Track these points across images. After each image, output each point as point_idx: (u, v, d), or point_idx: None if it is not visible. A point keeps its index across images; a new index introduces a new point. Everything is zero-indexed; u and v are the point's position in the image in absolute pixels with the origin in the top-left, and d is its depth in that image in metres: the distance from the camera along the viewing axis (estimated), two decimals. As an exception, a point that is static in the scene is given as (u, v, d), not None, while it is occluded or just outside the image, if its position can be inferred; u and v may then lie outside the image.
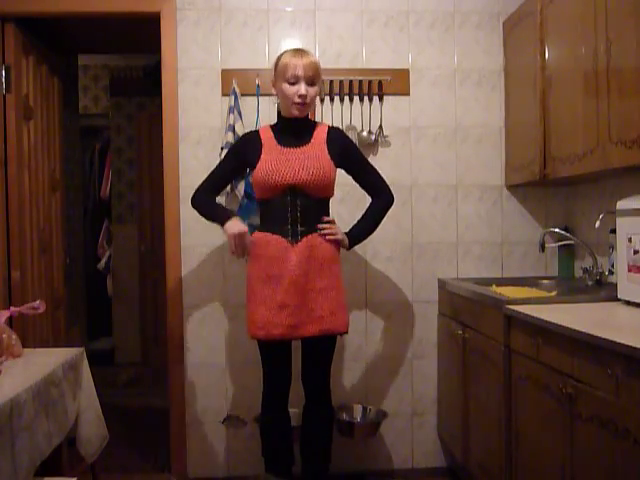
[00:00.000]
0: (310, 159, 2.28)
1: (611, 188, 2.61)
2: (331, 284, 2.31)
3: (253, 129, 2.51)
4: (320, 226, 2.32)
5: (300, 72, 2.22)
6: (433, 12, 2.97)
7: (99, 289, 5.34)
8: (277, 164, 2.26)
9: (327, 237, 2.32)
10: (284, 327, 2.23)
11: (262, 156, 2.30)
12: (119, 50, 4.22)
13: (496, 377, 2.27)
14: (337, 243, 2.37)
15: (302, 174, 2.25)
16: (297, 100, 2.24)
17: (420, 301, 2.99)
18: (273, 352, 2.34)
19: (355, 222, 2.47)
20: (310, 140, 2.33)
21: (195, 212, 2.42)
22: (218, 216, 2.35)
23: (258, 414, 2.79)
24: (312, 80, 2.25)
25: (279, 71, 2.27)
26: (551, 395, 1.86)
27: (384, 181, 2.49)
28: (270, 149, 2.31)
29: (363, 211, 2.60)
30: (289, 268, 2.24)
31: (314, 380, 2.42)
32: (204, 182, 2.44)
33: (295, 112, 2.27)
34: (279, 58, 2.30)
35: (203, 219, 2.94)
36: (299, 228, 2.28)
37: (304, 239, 2.27)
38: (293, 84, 2.23)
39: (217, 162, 2.54)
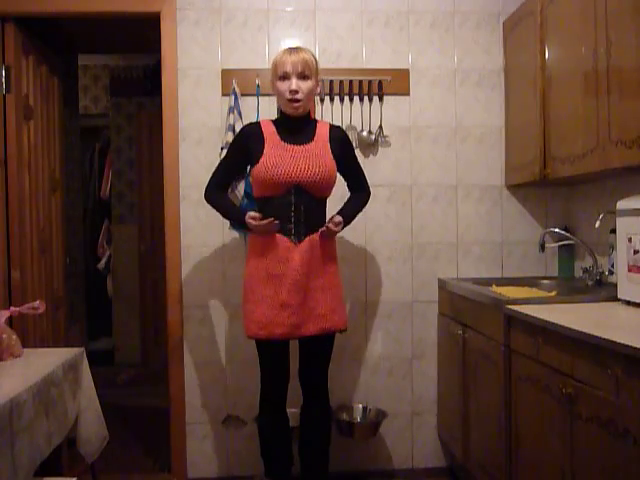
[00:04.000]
0: (315, 158, 2.26)
1: (611, 188, 2.61)
2: (330, 282, 2.32)
3: (253, 121, 2.47)
4: (328, 228, 2.27)
5: (289, 68, 2.22)
6: (433, 12, 2.97)
7: (99, 289, 5.35)
8: (282, 160, 2.23)
9: (328, 234, 2.30)
10: (286, 326, 2.22)
11: (265, 151, 2.25)
12: (119, 50, 4.23)
13: (496, 377, 2.27)
14: (334, 240, 2.39)
15: (308, 173, 2.23)
16: (288, 96, 2.23)
17: (420, 301, 2.99)
18: (272, 352, 2.33)
19: (345, 206, 2.46)
20: (313, 138, 2.32)
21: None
22: (236, 216, 2.39)
23: (258, 414, 2.79)
24: (303, 74, 2.23)
25: (272, 70, 2.28)
26: (551, 395, 1.86)
27: (366, 180, 2.55)
28: (273, 144, 2.27)
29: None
30: (292, 268, 2.22)
31: (313, 379, 2.41)
32: (212, 179, 2.43)
33: (290, 110, 2.26)
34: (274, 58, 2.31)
35: (204, 218, 2.96)
36: (302, 228, 2.26)
37: (307, 239, 2.25)
38: (284, 80, 2.23)
39: (219, 160, 2.53)
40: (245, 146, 2.33)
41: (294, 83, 2.22)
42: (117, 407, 3.96)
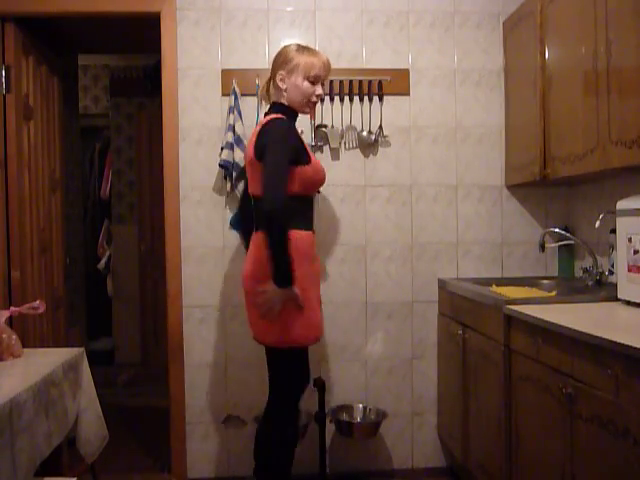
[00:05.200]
0: None
1: (611, 188, 2.61)
2: None
3: (282, 118, 2.22)
4: None
5: (323, 73, 2.22)
6: (433, 12, 2.97)
7: (99, 289, 5.34)
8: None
9: None
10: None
11: (309, 152, 2.23)
12: (119, 50, 4.23)
13: (496, 377, 2.27)
14: None
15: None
16: (314, 100, 2.24)
17: (420, 301, 2.99)
18: (306, 355, 2.29)
19: None
20: None
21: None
22: (286, 270, 2.02)
23: (258, 414, 2.79)
24: (324, 81, 2.28)
25: (302, 67, 2.17)
26: (551, 395, 1.86)
27: None
28: (307, 146, 2.29)
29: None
30: (319, 265, 2.36)
31: None
32: (283, 186, 2.01)
33: (307, 110, 2.27)
34: (289, 52, 2.20)
35: (204, 218, 2.93)
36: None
37: None
38: (313, 83, 2.21)
39: (276, 161, 2.05)
40: (297, 146, 2.16)
41: (321, 89, 2.24)
42: (117, 407, 3.96)
